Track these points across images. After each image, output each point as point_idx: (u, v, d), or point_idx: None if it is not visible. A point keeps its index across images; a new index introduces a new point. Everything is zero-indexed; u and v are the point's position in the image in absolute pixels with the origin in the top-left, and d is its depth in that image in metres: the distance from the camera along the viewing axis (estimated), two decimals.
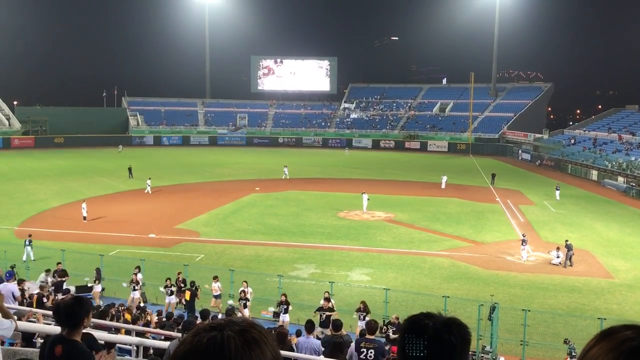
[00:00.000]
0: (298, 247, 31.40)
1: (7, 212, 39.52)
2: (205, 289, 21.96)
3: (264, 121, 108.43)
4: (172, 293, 21.72)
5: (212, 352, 1.37)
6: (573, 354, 17.08)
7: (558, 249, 28.93)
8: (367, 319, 17.82)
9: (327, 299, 19.04)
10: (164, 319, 17.34)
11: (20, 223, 35.96)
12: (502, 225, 37.39)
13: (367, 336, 10.44)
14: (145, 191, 47.12)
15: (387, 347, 13.52)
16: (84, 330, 4.92)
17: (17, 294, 15.50)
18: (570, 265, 28.07)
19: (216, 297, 21.99)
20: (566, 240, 29.09)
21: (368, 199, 40.49)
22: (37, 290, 19.74)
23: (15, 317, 6.84)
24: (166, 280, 22.03)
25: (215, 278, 22.11)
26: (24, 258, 27.43)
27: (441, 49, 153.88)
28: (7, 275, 17.68)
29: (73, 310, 4.70)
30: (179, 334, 11.85)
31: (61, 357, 4.66)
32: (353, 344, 10.30)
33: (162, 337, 12.85)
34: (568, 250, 28.28)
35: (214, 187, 51.93)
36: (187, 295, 21.46)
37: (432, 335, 1.73)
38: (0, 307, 6.41)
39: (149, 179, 48.50)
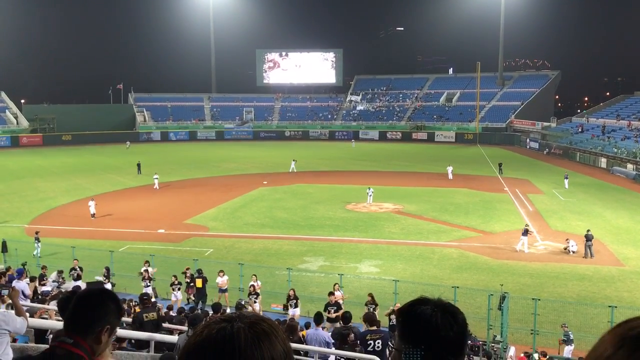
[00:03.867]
0: (307, 240, 31.45)
1: (18, 210, 39.81)
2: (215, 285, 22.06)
3: (270, 115, 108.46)
4: (178, 289, 21.81)
5: (222, 344, 1.38)
6: (570, 338, 17.06)
7: (567, 240, 28.73)
8: (376, 311, 17.81)
9: (332, 293, 18.88)
10: (173, 314, 17.43)
11: (30, 221, 36.20)
12: (511, 215, 37.26)
13: (371, 328, 10.46)
14: (154, 187, 47.41)
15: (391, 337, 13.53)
16: None
17: (27, 292, 15.64)
18: (592, 256, 27.54)
19: (222, 291, 22.00)
20: (587, 230, 28.66)
21: (372, 193, 40.50)
22: (49, 288, 19.91)
23: (27, 315, 6.89)
24: (172, 277, 22.08)
25: (221, 272, 22.15)
26: (35, 253, 27.74)
27: (447, 39, 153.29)
28: (17, 273, 17.81)
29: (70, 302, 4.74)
30: (186, 328, 11.92)
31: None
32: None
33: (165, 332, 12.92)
34: (587, 241, 27.81)
35: (222, 181, 52.05)
36: (199, 282, 21.59)
37: (443, 323, 1.76)
38: (15, 303, 6.45)
39: (156, 174, 48.86)
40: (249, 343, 1.38)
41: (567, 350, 17.11)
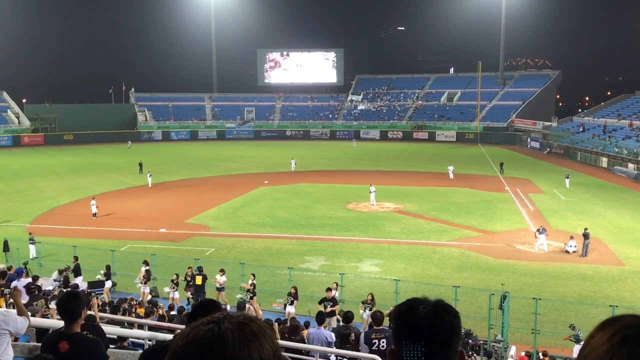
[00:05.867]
0: (308, 240, 31.45)
1: (19, 209, 39.84)
2: (212, 283, 22.09)
3: (271, 114, 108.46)
4: (175, 289, 21.82)
5: (210, 345, 1.37)
6: (580, 338, 17.11)
7: (572, 237, 28.71)
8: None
9: (329, 289, 19.20)
10: (172, 313, 17.46)
11: (31, 220, 36.22)
12: (512, 214, 37.25)
13: (375, 327, 10.46)
14: (149, 186, 47.70)
15: None
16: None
17: (23, 293, 15.67)
18: (585, 255, 27.68)
19: (219, 289, 21.99)
20: (585, 229, 28.67)
21: (374, 191, 40.21)
22: (50, 287, 19.95)
23: (29, 314, 6.91)
24: (173, 276, 22.13)
25: (222, 271, 22.18)
26: (32, 255, 27.65)
27: (448, 38, 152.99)
28: (17, 273, 17.85)
29: (71, 304, 4.79)
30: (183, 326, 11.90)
31: (69, 352, 4.71)
32: (362, 336, 10.30)
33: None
34: (585, 239, 27.86)
35: (223, 181, 52.06)
36: (199, 280, 21.62)
37: (434, 319, 1.77)
38: (17, 303, 6.48)
39: (149, 172, 49.51)
40: (237, 344, 1.37)
41: (576, 350, 17.13)
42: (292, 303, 19.93)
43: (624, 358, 1.23)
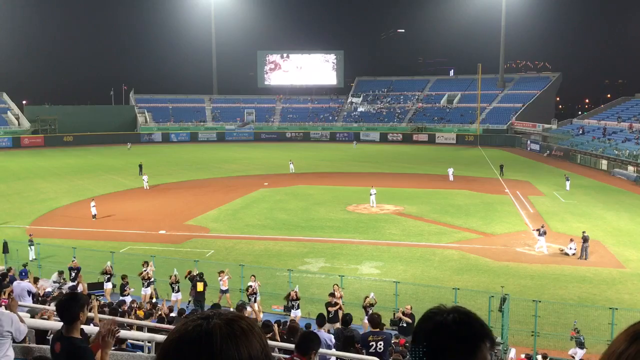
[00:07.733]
0: (307, 242, 31.45)
1: (19, 210, 39.84)
2: (218, 285, 22.05)
3: (271, 116, 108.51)
4: (178, 290, 21.80)
5: (198, 340, 1.39)
6: (582, 342, 17.05)
7: (572, 240, 28.71)
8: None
9: (332, 294, 19.01)
10: (172, 314, 17.43)
11: (31, 222, 36.21)
12: (512, 217, 37.24)
13: (373, 329, 10.47)
14: (144, 188, 47.73)
15: (396, 340, 13.53)
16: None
17: (34, 290, 15.67)
18: (585, 258, 27.71)
19: (224, 291, 22.02)
20: (583, 232, 28.71)
21: (375, 193, 40.19)
22: (50, 289, 19.93)
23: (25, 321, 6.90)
24: (170, 277, 22.03)
25: (221, 273, 22.15)
26: (32, 257, 27.62)
27: (448, 41, 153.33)
28: (22, 274, 17.84)
29: (68, 305, 4.78)
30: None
31: (60, 354, 4.73)
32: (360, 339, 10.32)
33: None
34: (584, 242, 27.86)
35: (223, 182, 52.07)
36: (201, 286, 21.60)
37: (472, 321, 1.70)
38: (15, 313, 6.48)
39: (145, 175, 49.56)
40: (224, 340, 1.39)
41: (579, 354, 17.04)
42: (297, 307, 19.81)
43: (634, 353, 1.25)
